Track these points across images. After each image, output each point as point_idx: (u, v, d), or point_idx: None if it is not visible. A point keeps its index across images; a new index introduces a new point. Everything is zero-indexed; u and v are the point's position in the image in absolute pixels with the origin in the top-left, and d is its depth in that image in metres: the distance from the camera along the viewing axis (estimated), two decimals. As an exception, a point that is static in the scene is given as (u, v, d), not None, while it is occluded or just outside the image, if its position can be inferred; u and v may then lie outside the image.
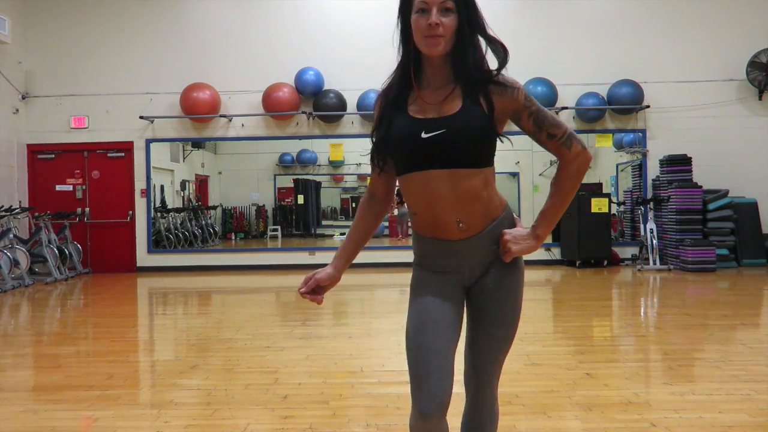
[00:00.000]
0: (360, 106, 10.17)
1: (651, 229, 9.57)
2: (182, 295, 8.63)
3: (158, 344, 5.35)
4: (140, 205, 10.64)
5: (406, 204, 1.80)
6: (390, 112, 1.74)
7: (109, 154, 10.70)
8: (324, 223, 16.13)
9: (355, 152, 13.02)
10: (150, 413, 3.34)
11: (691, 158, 9.72)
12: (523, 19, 10.35)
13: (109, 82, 10.54)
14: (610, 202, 9.89)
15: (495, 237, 1.73)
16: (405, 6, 1.68)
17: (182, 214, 12.88)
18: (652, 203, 9.79)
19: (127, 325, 6.25)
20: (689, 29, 10.29)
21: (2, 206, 9.38)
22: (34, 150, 10.68)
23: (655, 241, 9.55)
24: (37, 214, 9.80)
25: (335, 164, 15.05)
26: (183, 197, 14.14)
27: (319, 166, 15.41)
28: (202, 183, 15.19)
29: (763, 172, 10.09)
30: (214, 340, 5.19)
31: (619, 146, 11.21)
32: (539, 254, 10.51)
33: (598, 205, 9.67)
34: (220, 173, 15.49)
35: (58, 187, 10.73)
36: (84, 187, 10.74)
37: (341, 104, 10.24)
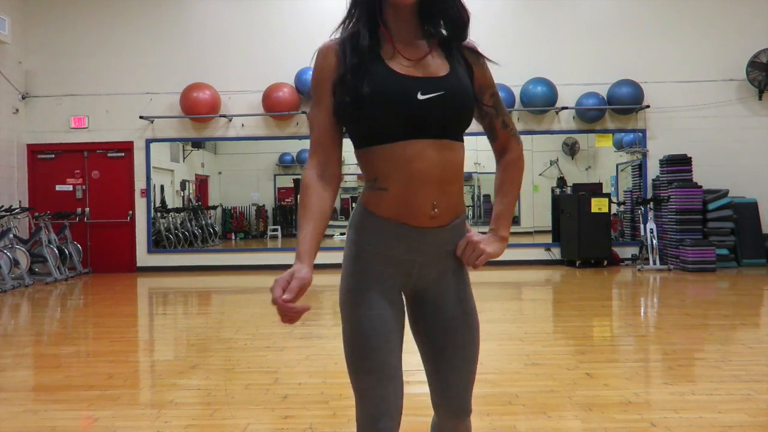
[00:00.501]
0: (360, 106, 10.15)
1: (651, 229, 9.57)
2: (182, 295, 8.62)
3: (158, 344, 5.35)
4: (140, 205, 10.65)
5: (366, 180, 1.51)
6: (368, 64, 1.42)
7: (109, 154, 10.70)
8: (324, 223, 16.12)
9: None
10: (150, 413, 3.34)
11: (691, 158, 9.72)
12: (523, 19, 10.33)
13: (109, 82, 10.54)
14: (610, 202, 9.89)
15: (455, 237, 1.53)
16: None
17: (182, 214, 12.87)
18: (652, 203, 9.79)
19: (127, 325, 6.25)
20: (689, 29, 10.29)
21: (2, 206, 9.38)
22: (34, 150, 10.69)
23: (655, 241, 9.54)
24: (37, 214, 9.80)
25: (335, 164, 15.03)
26: (183, 197, 14.14)
27: (319, 166, 15.40)
28: (202, 183, 15.19)
29: (763, 172, 10.10)
30: (214, 340, 5.19)
31: (619, 146, 11.21)
32: (539, 254, 10.53)
33: (598, 205, 9.67)
34: (220, 173, 15.49)
35: (58, 187, 10.73)
36: (84, 187, 10.74)
37: (341, 104, 10.23)
